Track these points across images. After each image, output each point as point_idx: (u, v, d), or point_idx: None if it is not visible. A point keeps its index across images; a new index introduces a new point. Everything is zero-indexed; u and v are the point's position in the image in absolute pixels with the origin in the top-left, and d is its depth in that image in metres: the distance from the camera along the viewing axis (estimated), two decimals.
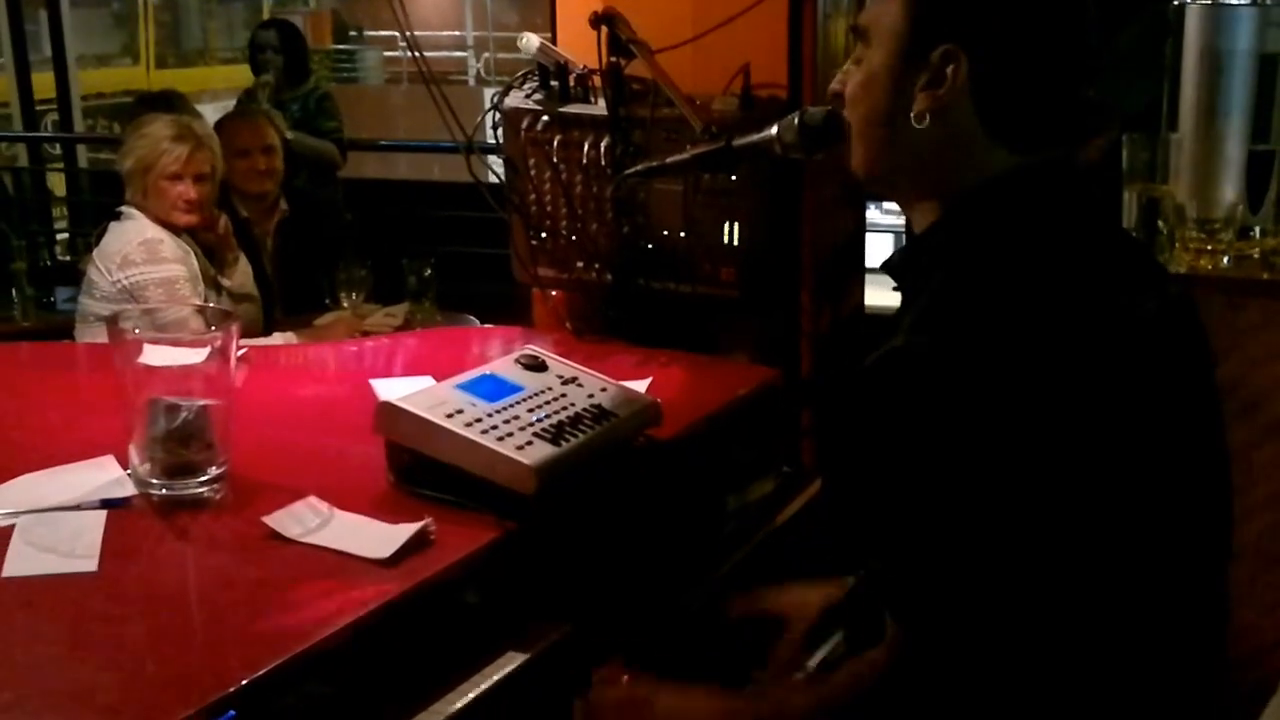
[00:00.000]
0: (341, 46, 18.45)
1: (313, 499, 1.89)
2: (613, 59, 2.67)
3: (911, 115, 1.54)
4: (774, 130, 1.88)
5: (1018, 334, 1.42)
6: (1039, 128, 1.55)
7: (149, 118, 3.93)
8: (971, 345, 1.41)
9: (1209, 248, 2.98)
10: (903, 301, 1.63)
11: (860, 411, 1.47)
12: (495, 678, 1.75)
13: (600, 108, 2.76)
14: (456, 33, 19.59)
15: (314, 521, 1.84)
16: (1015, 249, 1.51)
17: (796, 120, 1.83)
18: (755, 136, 1.92)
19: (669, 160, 2.17)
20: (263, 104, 5.87)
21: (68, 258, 5.38)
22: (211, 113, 12.62)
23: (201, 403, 1.89)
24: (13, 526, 1.80)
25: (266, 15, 17.07)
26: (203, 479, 1.91)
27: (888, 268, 1.66)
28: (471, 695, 1.71)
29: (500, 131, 2.89)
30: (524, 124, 2.84)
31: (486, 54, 19.26)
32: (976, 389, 1.39)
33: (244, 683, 1.46)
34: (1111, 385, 1.45)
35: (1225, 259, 2.98)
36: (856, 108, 1.61)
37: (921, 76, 1.53)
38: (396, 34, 17.58)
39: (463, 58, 19.37)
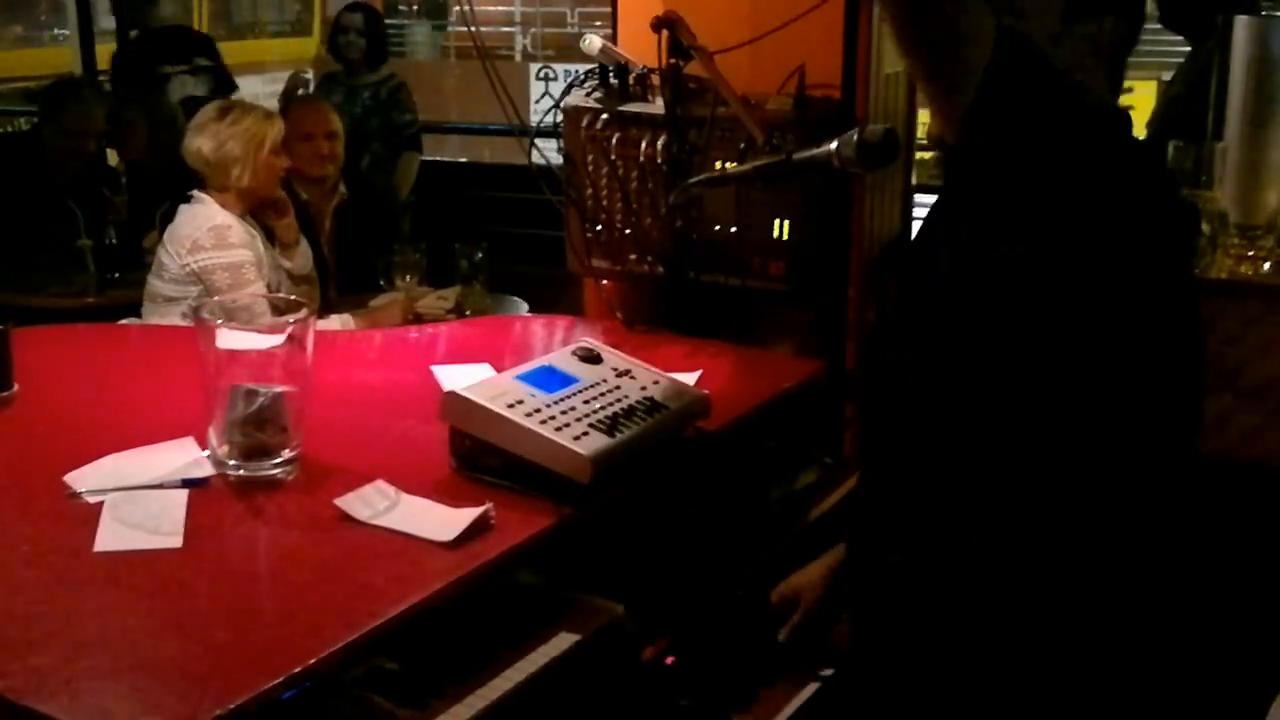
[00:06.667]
0: (392, 21, 18.49)
1: (381, 483, 1.97)
2: (672, 60, 2.74)
3: None
4: (833, 146, 1.94)
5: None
6: None
7: (211, 111, 3.98)
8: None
9: (1250, 254, 3.02)
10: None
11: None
12: (550, 656, 1.83)
13: (658, 106, 2.84)
14: (504, 8, 19.62)
15: (382, 504, 1.92)
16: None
17: (855, 137, 1.89)
18: (814, 151, 1.98)
19: (730, 172, 2.23)
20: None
21: (129, 234, 5.45)
22: (261, 85, 12.69)
23: (278, 389, 1.98)
24: (102, 504, 1.89)
25: None
26: (277, 461, 2.00)
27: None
28: (527, 673, 1.79)
29: (560, 127, 2.97)
30: (584, 121, 2.93)
31: (534, 29, 19.29)
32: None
33: (319, 657, 1.54)
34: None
35: (1266, 265, 3.02)
36: None
37: None
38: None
39: (510, 33, 19.40)
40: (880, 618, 1.92)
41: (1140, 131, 3.44)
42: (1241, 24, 3.07)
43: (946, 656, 1.79)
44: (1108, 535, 1.72)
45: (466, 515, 1.86)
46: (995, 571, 1.74)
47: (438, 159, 7.20)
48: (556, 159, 3.09)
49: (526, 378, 2.10)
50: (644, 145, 2.86)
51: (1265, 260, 3.04)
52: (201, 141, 3.85)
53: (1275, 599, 2.81)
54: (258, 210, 3.98)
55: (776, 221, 2.81)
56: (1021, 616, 1.73)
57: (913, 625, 1.82)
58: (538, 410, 2.02)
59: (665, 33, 2.72)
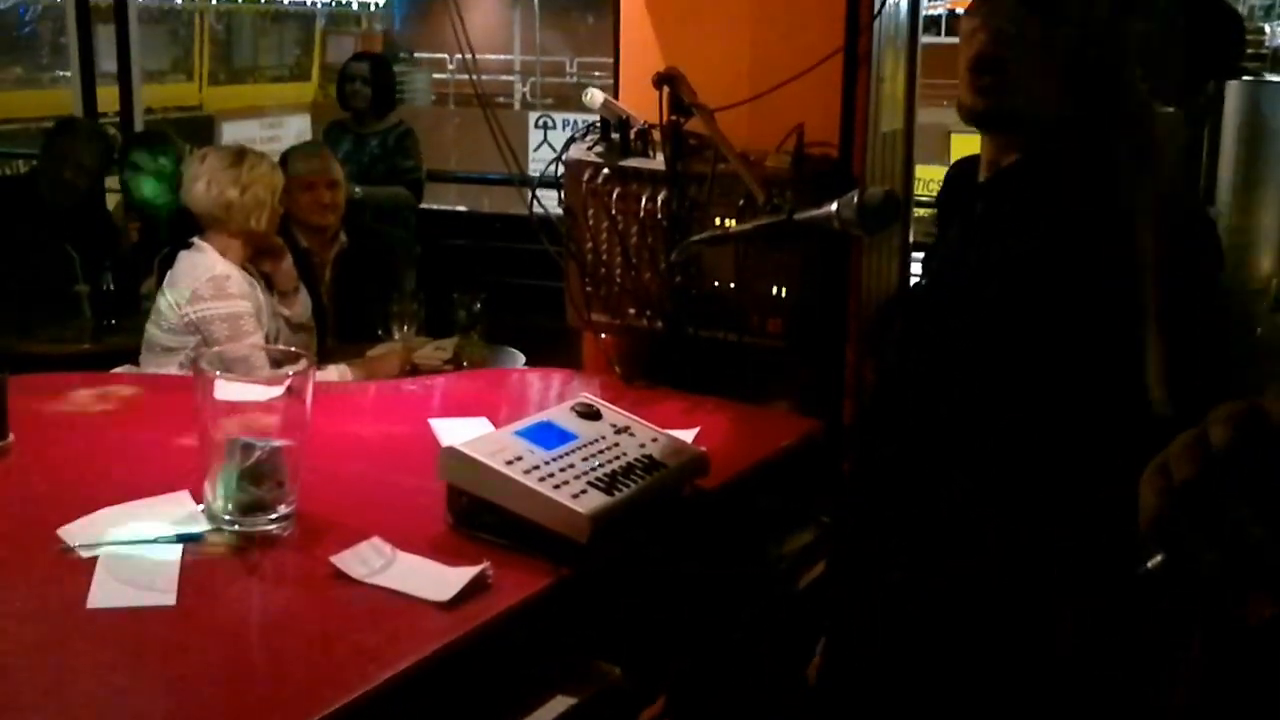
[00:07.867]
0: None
1: (376, 540, 1.94)
2: (673, 116, 2.75)
3: None
4: (834, 207, 1.95)
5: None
6: None
7: (226, 159, 3.96)
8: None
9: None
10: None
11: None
12: None
13: (659, 162, 2.85)
14: (504, 56, 19.77)
15: (377, 563, 1.89)
16: None
17: (856, 199, 1.90)
18: (815, 212, 1.99)
19: (731, 231, 2.24)
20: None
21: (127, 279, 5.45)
22: (259, 129, 12.74)
23: (275, 443, 1.97)
24: (95, 559, 1.87)
25: (318, 37, 17.34)
26: (273, 517, 1.98)
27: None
28: None
29: (560, 178, 2.98)
30: (585, 175, 2.93)
31: (533, 78, 19.44)
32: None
33: (312, 719, 1.51)
34: None
35: (1259, 330, 3.02)
36: None
37: None
38: (445, 56, 17.78)
39: (509, 81, 19.55)
40: (876, 643, 1.90)
41: None
42: (1233, 89, 3.09)
43: (947, 670, 1.77)
44: (1108, 536, 1.71)
45: (463, 575, 1.84)
46: (1009, 571, 1.73)
47: (435, 207, 7.22)
48: (556, 210, 3.10)
49: (525, 434, 2.09)
50: (644, 200, 2.87)
51: (1258, 326, 3.04)
52: (224, 186, 3.84)
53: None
54: (255, 258, 3.98)
55: (775, 279, 2.81)
56: (1031, 620, 1.72)
57: (912, 642, 1.80)
58: (536, 467, 2.00)
59: (666, 89, 2.73)
